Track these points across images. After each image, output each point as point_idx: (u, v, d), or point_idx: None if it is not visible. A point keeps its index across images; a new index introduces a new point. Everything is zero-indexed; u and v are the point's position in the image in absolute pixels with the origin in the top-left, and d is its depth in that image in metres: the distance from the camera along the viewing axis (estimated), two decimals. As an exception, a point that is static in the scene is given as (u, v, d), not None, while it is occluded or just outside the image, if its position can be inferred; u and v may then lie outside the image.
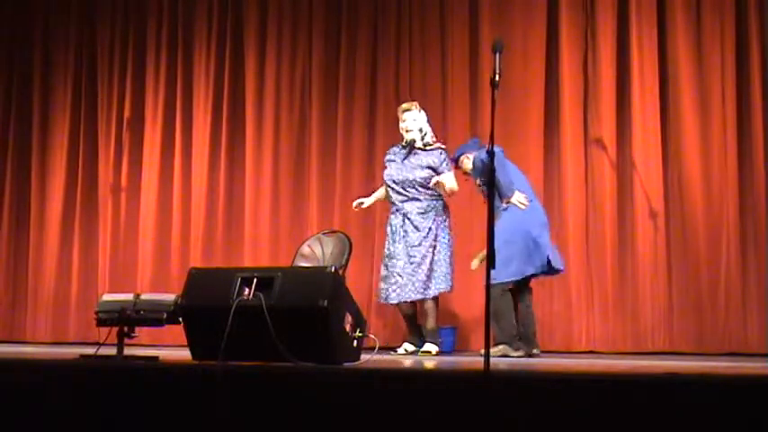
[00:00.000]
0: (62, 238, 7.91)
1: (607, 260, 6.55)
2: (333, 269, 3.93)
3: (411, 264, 5.82)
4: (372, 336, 4.31)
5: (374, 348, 4.26)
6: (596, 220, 6.63)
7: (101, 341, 4.15)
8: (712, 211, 6.42)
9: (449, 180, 5.90)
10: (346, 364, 3.82)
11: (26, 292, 7.94)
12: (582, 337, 6.53)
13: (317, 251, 5.98)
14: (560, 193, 6.73)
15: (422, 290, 5.80)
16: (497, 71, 3.64)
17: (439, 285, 5.82)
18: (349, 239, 5.91)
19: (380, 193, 6.21)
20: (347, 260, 5.81)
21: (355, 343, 4.01)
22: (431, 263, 5.81)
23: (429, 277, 5.80)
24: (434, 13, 7.18)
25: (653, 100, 6.59)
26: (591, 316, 6.56)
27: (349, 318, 3.96)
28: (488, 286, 3.43)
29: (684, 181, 6.49)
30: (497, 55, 3.70)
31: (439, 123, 6.60)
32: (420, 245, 5.83)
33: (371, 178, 7.09)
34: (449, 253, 5.87)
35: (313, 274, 4.23)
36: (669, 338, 6.39)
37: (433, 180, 5.85)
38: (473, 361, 4.85)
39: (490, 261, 3.41)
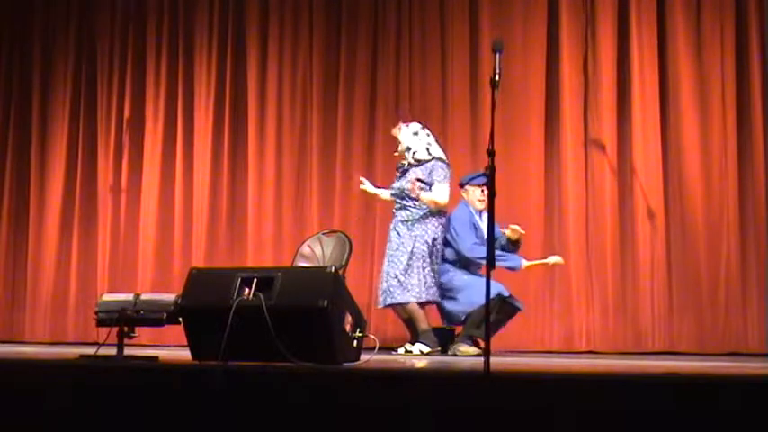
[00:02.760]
0: (61, 237, 7.90)
1: (607, 260, 6.54)
2: (333, 269, 3.93)
3: (388, 270, 5.88)
4: (372, 336, 4.30)
5: (374, 348, 4.25)
6: (596, 219, 6.63)
7: (101, 341, 4.15)
8: (712, 211, 6.42)
9: (434, 192, 5.84)
10: (346, 364, 3.81)
11: (25, 292, 7.93)
12: (582, 337, 6.53)
13: (316, 251, 5.98)
14: (560, 193, 6.72)
15: (389, 298, 5.84)
16: (497, 71, 3.63)
17: (405, 295, 5.79)
18: (349, 239, 5.91)
19: (384, 193, 6.20)
20: (347, 260, 5.81)
21: (355, 343, 4.00)
22: (404, 272, 5.80)
23: (398, 285, 5.80)
24: (434, 14, 7.17)
25: (653, 100, 6.59)
26: (591, 316, 6.55)
27: (349, 318, 3.96)
28: (488, 287, 3.43)
29: (684, 181, 6.49)
30: (497, 55, 3.69)
31: (439, 124, 6.60)
32: (397, 250, 5.86)
33: (371, 178, 7.06)
34: (422, 265, 5.81)
35: (313, 274, 4.23)
36: (669, 338, 6.38)
37: (413, 179, 5.83)
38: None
39: (490, 262, 3.41)
